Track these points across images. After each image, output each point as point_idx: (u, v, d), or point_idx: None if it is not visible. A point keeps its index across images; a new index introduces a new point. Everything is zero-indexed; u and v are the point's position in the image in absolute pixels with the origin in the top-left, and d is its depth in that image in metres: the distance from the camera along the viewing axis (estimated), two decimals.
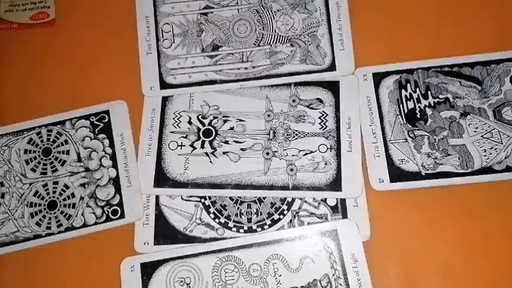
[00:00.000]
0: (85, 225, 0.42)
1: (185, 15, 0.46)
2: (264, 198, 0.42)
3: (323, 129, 0.43)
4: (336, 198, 0.41)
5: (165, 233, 0.42)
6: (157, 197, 0.43)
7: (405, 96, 0.43)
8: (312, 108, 0.43)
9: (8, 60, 0.48)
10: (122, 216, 0.42)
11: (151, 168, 0.43)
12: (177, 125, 0.44)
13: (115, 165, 0.43)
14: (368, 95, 0.43)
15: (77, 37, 0.48)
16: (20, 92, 0.47)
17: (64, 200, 0.43)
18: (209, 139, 0.44)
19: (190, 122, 0.44)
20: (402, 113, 0.43)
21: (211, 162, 0.43)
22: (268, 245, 0.40)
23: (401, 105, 0.43)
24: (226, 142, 0.43)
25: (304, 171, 0.42)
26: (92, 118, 0.45)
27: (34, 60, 0.47)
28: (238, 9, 0.46)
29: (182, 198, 0.43)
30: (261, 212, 0.42)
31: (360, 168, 0.42)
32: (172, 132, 0.44)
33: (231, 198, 0.42)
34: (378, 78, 0.44)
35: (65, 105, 0.45)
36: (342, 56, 0.44)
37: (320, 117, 0.43)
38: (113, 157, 0.43)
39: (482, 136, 0.41)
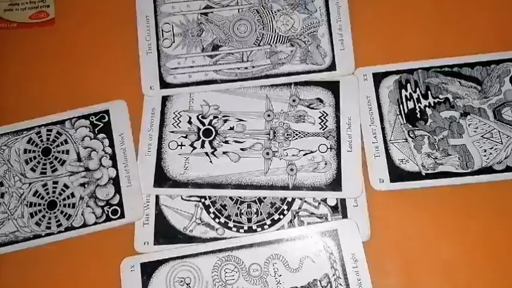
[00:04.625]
0: (84, 225, 0.42)
1: (185, 15, 0.46)
2: (264, 198, 0.42)
3: (323, 129, 0.43)
4: (336, 198, 0.41)
5: (165, 233, 0.42)
6: (157, 197, 0.43)
7: (405, 96, 0.43)
8: (312, 108, 0.43)
9: (7, 59, 0.48)
10: (122, 216, 0.42)
11: (151, 168, 0.43)
12: (177, 124, 0.44)
13: (114, 165, 0.43)
14: (368, 95, 0.43)
15: (76, 36, 0.48)
16: (20, 92, 0.47)
17: (64, 199, 0.43)
18: (209, 139, 0.44)
19: (190, 122, 0.44)
20: (402, 113, 0.43)
21: (211, 162, 0.43)
22: (268, 245, 0.40)
23: (401, 105, 0.43)
24: (226, 142, 0.43)
25: (305, 171, 0.42)
26: (92, 118, 0.45)
27: (34, 59, 0.47)
28: (238, 9, 0.46)
29: (182, 198, 0.42)
30: (261, 212, 0.42)
31: (360, 168, 0.42)
32: (172, 132, 0.44)
33: (231, 198, 0.42)
34: (378, 78, 0.44)
35: (65, 105, 0.45)
36: (342, 56, 0.44)
37: (320, 117, 0.43)
38: (113, 157, 0.43)
39: (482, 136, 0.41)
